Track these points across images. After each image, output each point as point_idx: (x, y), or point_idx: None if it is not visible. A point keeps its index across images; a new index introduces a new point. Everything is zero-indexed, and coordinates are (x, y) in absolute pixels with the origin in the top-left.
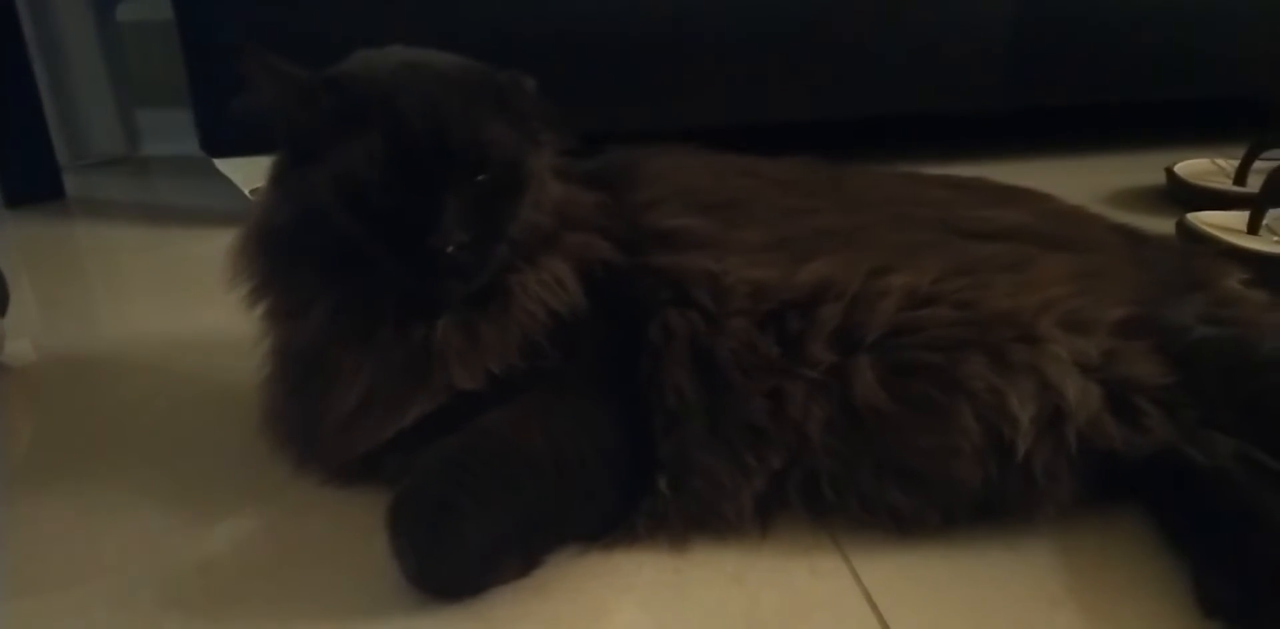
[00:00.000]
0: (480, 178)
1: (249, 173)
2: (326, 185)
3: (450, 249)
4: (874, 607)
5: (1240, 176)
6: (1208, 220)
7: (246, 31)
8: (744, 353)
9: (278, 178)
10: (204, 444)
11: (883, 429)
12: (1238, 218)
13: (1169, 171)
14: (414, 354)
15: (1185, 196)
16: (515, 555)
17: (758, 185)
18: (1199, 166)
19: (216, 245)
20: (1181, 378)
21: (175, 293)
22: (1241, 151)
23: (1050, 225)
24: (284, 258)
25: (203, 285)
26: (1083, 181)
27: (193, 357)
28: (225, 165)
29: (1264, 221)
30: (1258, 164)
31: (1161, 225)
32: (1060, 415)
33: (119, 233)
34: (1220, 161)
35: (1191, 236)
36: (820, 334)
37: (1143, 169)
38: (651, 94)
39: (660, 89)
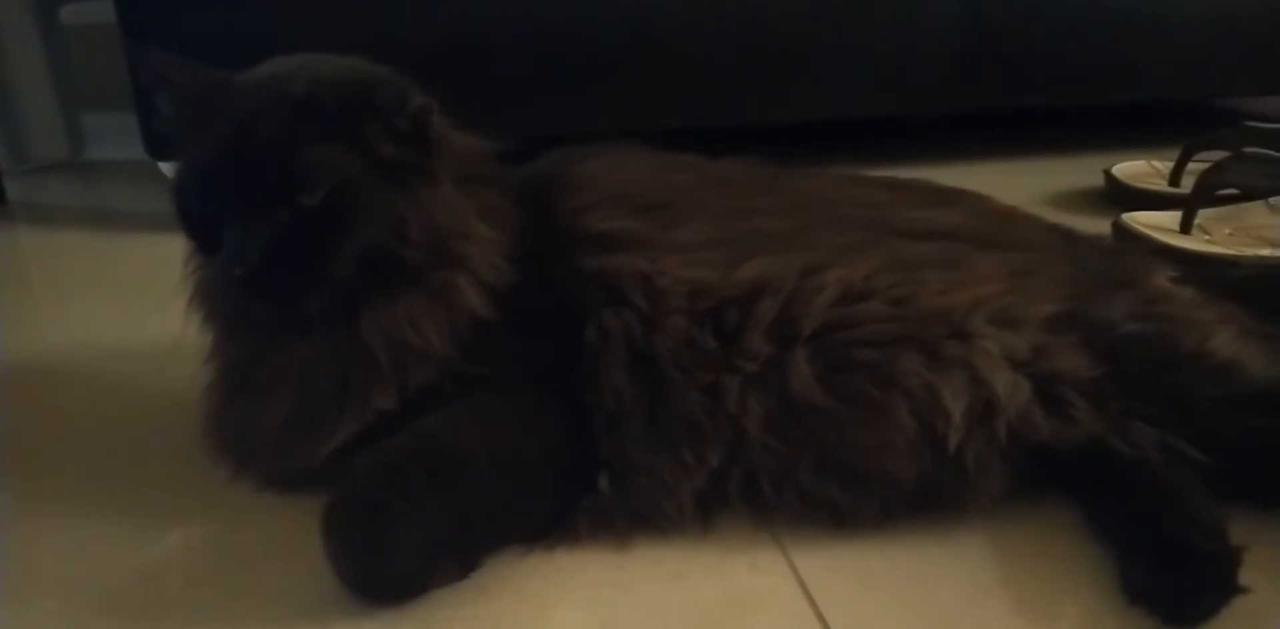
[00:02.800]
0: (306, 202)
1: None
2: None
3: (237, 271)
4: (811, 600)
5: (1175, 178)
6: (1142, 220)
7: (190, 33)
8: (681, 349)
9: None
10: (147, 452)
11: (820, 425)
12: (1171, 218)
13: (1107, 173)
14: (330, 373)
15: (1123, 197)
16: (453, 558)
17: (697, 185)
18: (1136, 168)
19: (163, 250)
20: (1108, 371)
21: (121, 298)
22: (1177, 154)
23: (984, 225)
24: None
25: (149, 290)
26: (1025, 183)
27: (138, 363)
28: (171, 169)
29: (1195, 221)
30: (1191, 165)
31: (1100, 225)
32: (991, 409)
33: (63, 238)
34: (1156, 163)
35: (1126, 236)
36: (758, 327)
37: (1082, 171)
38: (604, 97)
39: (612, 93)
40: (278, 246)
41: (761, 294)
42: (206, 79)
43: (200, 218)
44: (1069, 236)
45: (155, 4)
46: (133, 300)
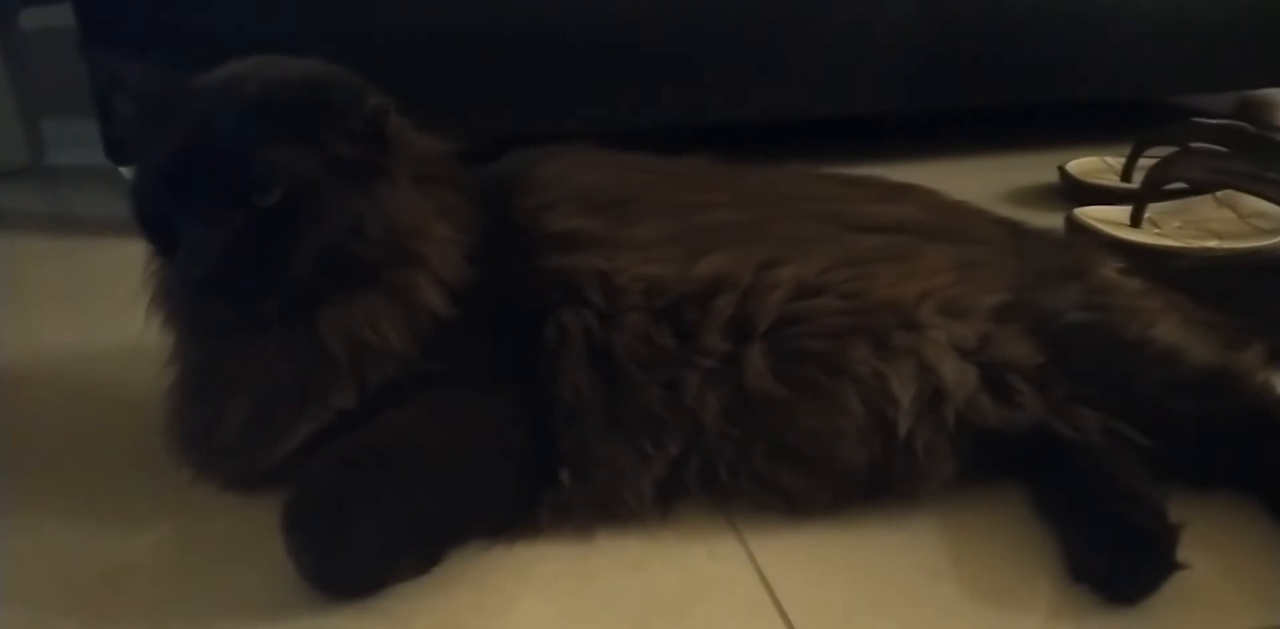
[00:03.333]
0: (262, 203)
1: None
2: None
3: (195, 271)
4: (767, 585)
5: (1126, 173)
6: (1093, 214)
7: (149, 37)
8: (640, 346)
9: None
10: (110, 454)
11: (773, 413)
12: (1121, 212)
13: (1062, 170)
14: (289, 373)
15: (1077, 193)
16: (414, 553)
17: (654, 182)
18: (1089, 165)
19: (125, 255)
20: (1053, 358)
21: (83, 304)
22: (1128, 150)
23: (935, 219)
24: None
25: (112, 295)
26: (982, 180)
27: (100, 367)
28: (131, 173)
29: (1146, 215)
30: (1142, 161)
31: (1054, 220)
32: (939, 396)
33: (24, 243)
34: (1109, 159)
35: (1079, 230)
36: (714, 324)
37: (1038, 168)
38: (563, 98)
39: (571, 93)
40: (235, 247)
41: (718, 291)
42: (164, 82)
43: (158, 219)
44: (1017, 230)
45: (115, 7)
46: (94, 305)
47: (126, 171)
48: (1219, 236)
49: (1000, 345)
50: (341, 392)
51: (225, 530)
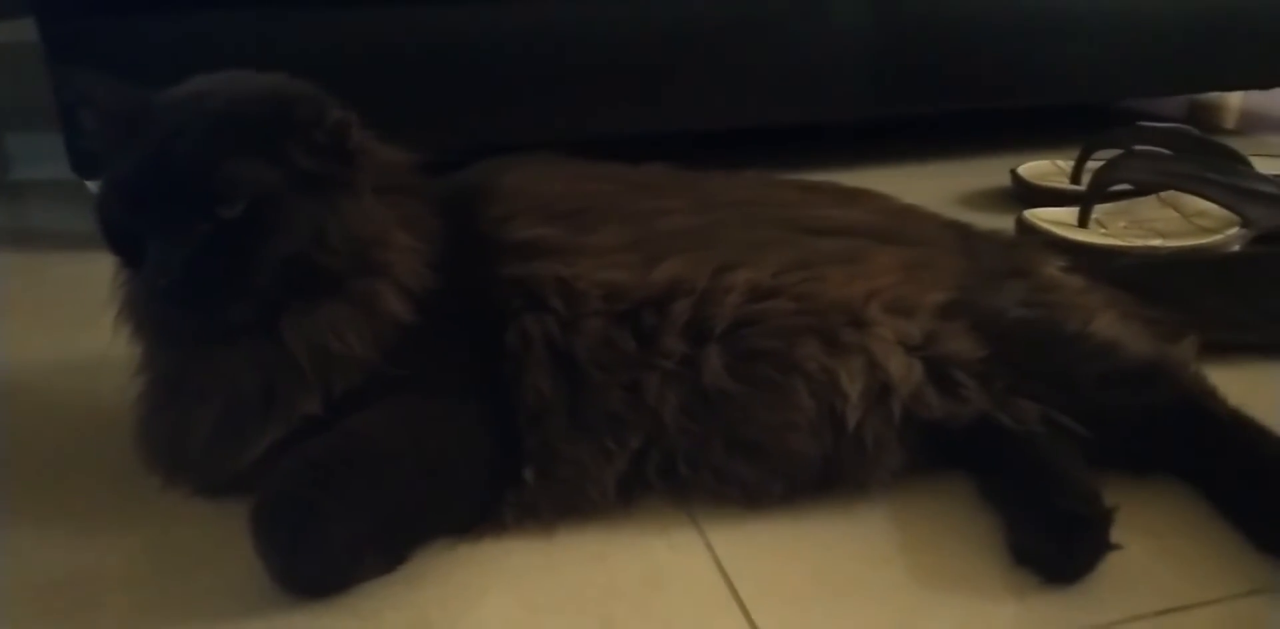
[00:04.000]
0: (226, 215)
1: None
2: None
3: (161, 282)
4: (724, 574)
5: (1075, 176)
6: (1042, 216)
7: (113, 52)
8: (601, 350)
9: None
10: (80, 463)
11: (729, 409)
12: (1070, 213)
13: (1014, 173)
14: (255, 380)
15: (1028, 195)
16: (380, 552)
17: (613, 190)
18: (1040, 168)
19: (93, 268)
20: (995, 352)
21: (49, 317)
22: (1077, 153)
23: (885, 222)
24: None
25: (77, 309)
26: (937, 184)
27: (67, 379)
28: (97, 187)
29: (1093, 216)
30: (1091, 163)
31: (1007, 223)
32: (886, 390)
33: None
34: (1060, 162)
35: (1028, 231)
36: (673, 328)
37: (991, 172)
38: (528, 109)
39: (536, 104)
40: (200, 258)
41: (675, 295)
42: (130, 96)
43: (124, 231)
44: (965, 231)
45: (78, 23)
46: (59, 319)
47: (93, 186)
48: (1163, 236)
49: (944, 341)
50: (307, 398)
51: (195, 535)
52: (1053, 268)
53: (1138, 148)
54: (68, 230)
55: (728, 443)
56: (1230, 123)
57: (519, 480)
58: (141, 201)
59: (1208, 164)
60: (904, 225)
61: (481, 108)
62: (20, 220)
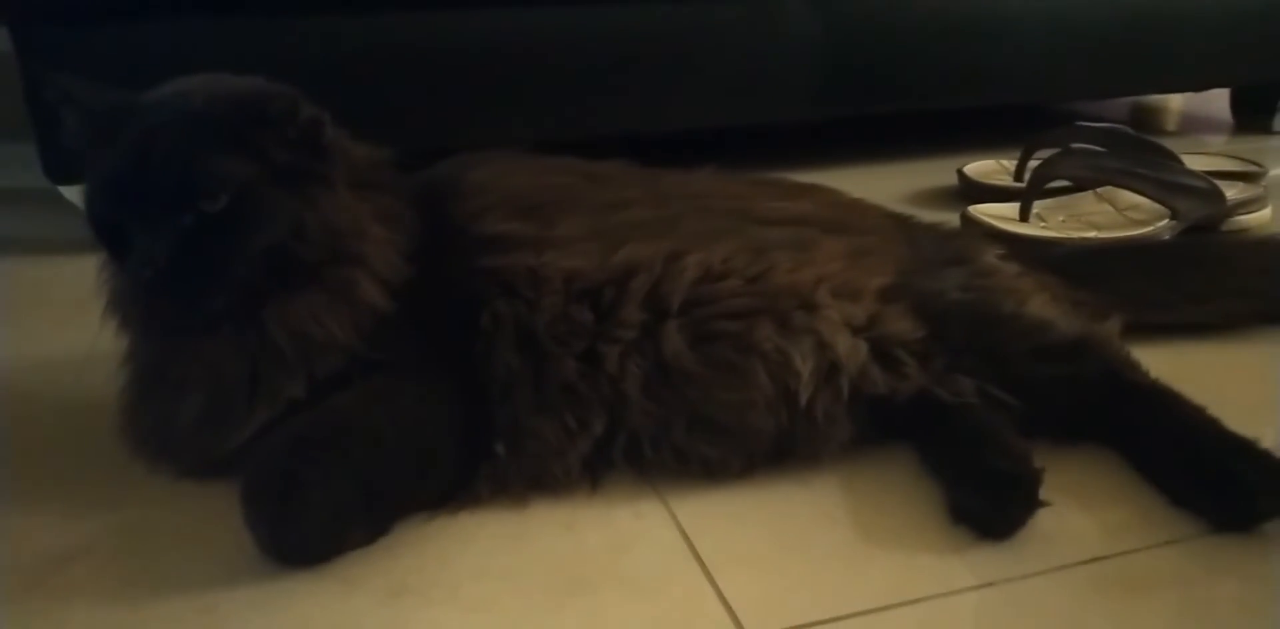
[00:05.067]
0: (208, 208)
1: None
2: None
3: (145, 273)
4: (686, 538)
5: (1018, 173)
6: (986, 211)
7: (87, 58)
8: (557, 323)
9: None
10: (65, 450)
11: (690, 388)
12: (1012, 208)
13: (960, 172)
14: (240, 366)
15: (974, 193)
16: (361, 522)
17: (575, 184)
18: (985, 167)
19: (64, 271)
20: (934, 332)
21: (25, 319)
22: (1019, 152)
23: (831, 213)
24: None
25: (52, 310)
26: (888, 184)
27: (49, 375)
28: (71, 192)
29: (1034, 210)
30: (1032, 162)
31: (953, 218)
32: (835, 368)
33: None
34: (1004, 161)
35: (972, 225)
36: (632, 301)
37: (938, 172)
38: (493, 112)
39: (500, 108)
40: (183, 250)
41: (633, 274)
42: (112, 97)
43: (110, 226)
44: (907, 223)
45: (51, 31)
46: (35, 320)
47: (67, 191)
48: (1098, 228)
49: (887, 322)
50: (291, 383)
51: (182, 514)
52: (991, 255)
53: (1075, 145)
54: (38, 237)
55: (689, 422)
56: (1171, 125)
57: (492, 455)
58: (125, 196)
59: (1139, 160)
60: (850, 217)
61: (439, 112)
62: None
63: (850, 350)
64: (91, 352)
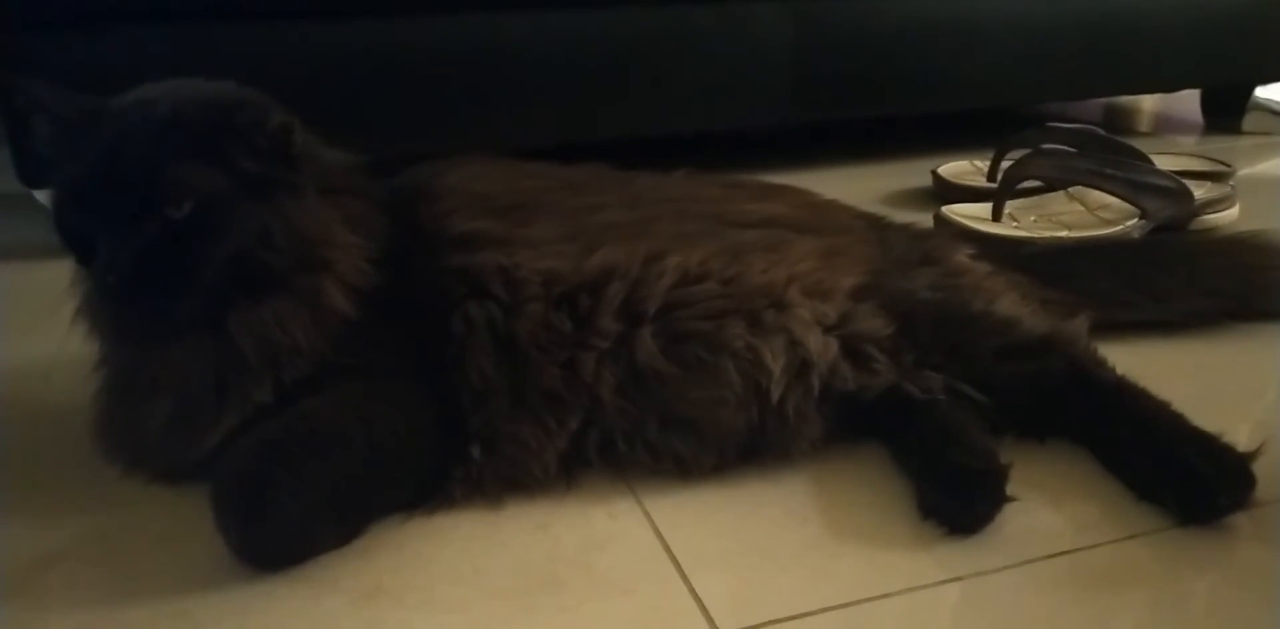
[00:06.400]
0: (173, 215)
1: None
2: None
3: (110, 279)
4: (660, 536)
5: (991, 174)
6: (959, 211)
7: (58, 62)
8: (540, 332)
9: None
10: (40, 456)
11: (663, 388)
12: (984, 208)
13: (934, 173)
14: (207, 372)
15: (948, 194)
16: (333, 525)
17: (549, 187)
18: (958, 168)
19: (37, 276)
20: (903, 330)
21: None
22: (992, 153)
23: (804, 215)
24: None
25: (26, 315)
26: (862, 186)
27: (18, 382)
28: (44, 196)
29: (1006, 211)
30: (1005, 163)
31: (926, 219)
32: (806, 365)
33: None
34: (977, 162)
35: (945, 225)
36: (608, 309)
37: (912, 173)
38: (461, 118)
39: (477, 112)
40: (148, 256)
41: (610, 280)
42: (80, 103)
43: (77, 231)
44: (879, 223)
45: (23, 38)
46: (8, 325)
47: (40, 195)
48: (1069, 227)
49: (858, 320)
50: (258, 388)
51: (154, 519)
52: (962, 255)
53: (1044, 146)
54: (8, 241)
55: (662, 420)
56: (1143, 125)
57: (466, 457)
58: (91, 202)
59: (1108, 161)
60: (822, 217)
61: (418, 117)
62: None
63: (821, 348)
64: (55, 359)
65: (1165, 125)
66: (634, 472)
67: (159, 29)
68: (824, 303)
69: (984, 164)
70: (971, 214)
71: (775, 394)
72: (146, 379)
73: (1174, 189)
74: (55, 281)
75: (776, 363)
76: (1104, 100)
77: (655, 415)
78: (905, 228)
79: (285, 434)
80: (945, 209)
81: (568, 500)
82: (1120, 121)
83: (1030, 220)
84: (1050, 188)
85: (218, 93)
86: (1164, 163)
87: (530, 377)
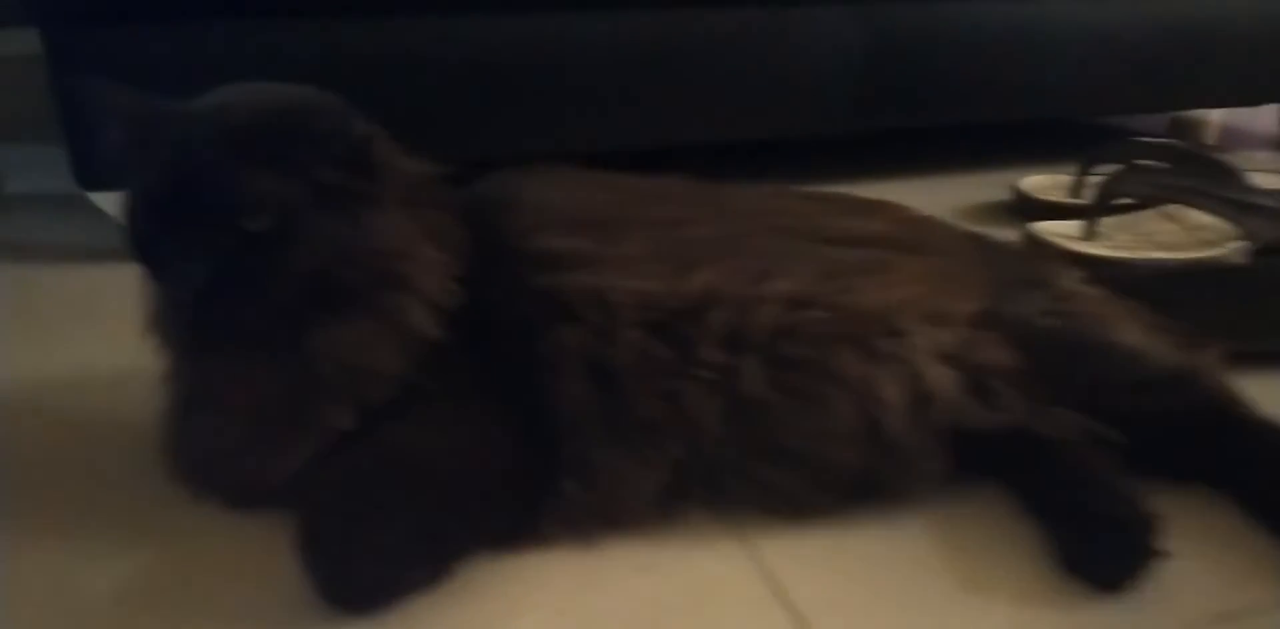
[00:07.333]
0: (249, 228)
1: None
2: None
3: (183, 293)
4: (773, 584)
5: (1075, 190)
6: (1050, 229)
7: (117, 61)
8: (638, 360)
9: None
10: (104, 478)
11: (768, 418)
12: (1074, 226)
13: (1015, 187)
14: (283, 394)
15: (1029, 209)
16: (422, 565)
17: (633, 201)
18: (1040, 182)
19: (89, 280)
20: (1028, 362)
21: (52, 331)
22: (1069, 168)
23: (905, 233)
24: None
25: (80, 322)
26: (939, 198)
27: (78, 393)
28: (102, 199)
29: (1097, 228)
30: (1089, 178)
31: (1008, 235)
32: (924, 399)
33: None
34: (1059, 177)
35: (1036, 243)
36: (711, 338)
37: (988, 185)
38: (534, 122)
39: (541, 118)
40: (223, 270)
41: (710, 305)
42: (152, 107)
43: (149, 243)
44: (981, 242)
45: (83, 33)
46: (63, 332)
47: (98, 198)
48: (1165, 248)
49: (979, 350)
50: (336, 413)
51: (229, 549)
52: (1069, 279)
53: (1139, 162)
54: (63, 243)
55: (767, 452)
56: (1211, 139)
57: (558, 490)
58: (164, 213)
59: (1207, 180)
60: (924, 236)
61: (465, 122)
62: (11, 234)
63: (941, 380)
64: (120, 370)
65: (1235, 139)
66: (739, 510)
67: (213, 25)
68: (942, 330)
69: (1063, 179)
70: (1063, 231)
71: (890, 429)
72: (216, 399)
73: (1277, 209)
74: (110, 288)
75: (891, 394)
76: (1169, 113)
77: (759, 446)
78: (1007, 247)
79: (370, 469)
80: (1035, 226)
81: (668, 541)
82: (1185, 134)
83: (1124, 239)
84: (1142, 205)
85: (296, 100)
86: (1258, 180)
87: (629, 406)
